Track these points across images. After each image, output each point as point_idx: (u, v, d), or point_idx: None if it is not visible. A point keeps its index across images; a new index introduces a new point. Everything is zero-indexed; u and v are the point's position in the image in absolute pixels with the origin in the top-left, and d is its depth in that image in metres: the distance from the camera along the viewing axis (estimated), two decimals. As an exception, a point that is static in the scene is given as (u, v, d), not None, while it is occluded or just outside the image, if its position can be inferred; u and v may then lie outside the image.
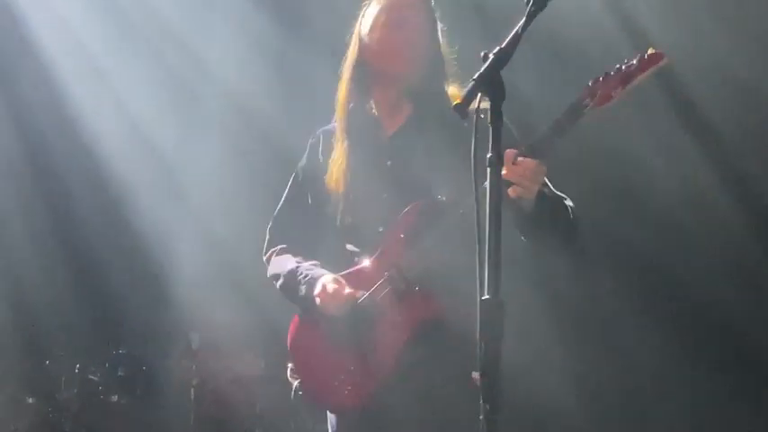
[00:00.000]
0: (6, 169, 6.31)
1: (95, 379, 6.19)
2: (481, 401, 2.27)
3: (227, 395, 6.38)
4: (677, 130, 4.68)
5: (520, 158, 2.91)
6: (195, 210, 6.24)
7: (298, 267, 3.41)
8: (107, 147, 6.22)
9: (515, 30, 2.44)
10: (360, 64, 3.42)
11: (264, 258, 3.62)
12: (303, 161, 3.61)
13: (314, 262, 3.43)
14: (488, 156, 2.37)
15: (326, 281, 3.27)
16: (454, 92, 3.33)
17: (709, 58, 4.54)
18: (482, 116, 2.36)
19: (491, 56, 2.41)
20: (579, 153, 4.56)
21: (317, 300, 3.26)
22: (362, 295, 3.24)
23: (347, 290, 3.23)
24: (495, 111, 2.38)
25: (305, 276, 3.35)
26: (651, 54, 2.92)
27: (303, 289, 3.33)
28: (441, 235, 3.14)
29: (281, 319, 5.76)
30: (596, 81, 2.94)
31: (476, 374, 2.99)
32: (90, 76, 6.16)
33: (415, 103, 3.39)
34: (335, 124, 3.50)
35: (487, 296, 2.30)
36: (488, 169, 2.37)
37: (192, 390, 6.28)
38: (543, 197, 3.04)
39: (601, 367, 4.62)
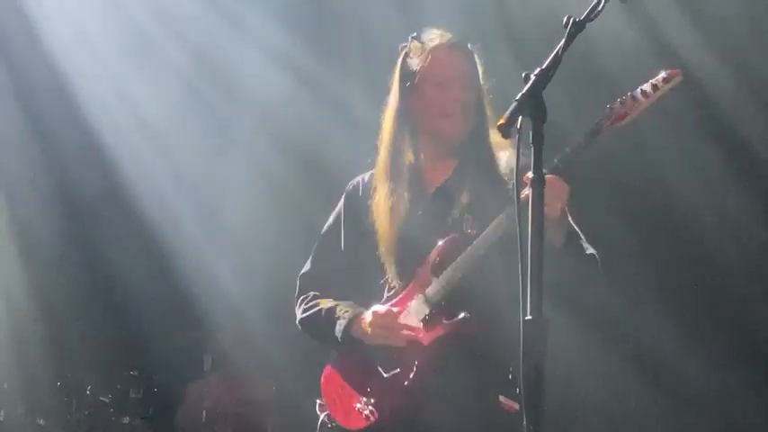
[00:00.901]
0: (34, 194, 6.30)
1: (107, 400, 6.19)
2: (524, 422, 2.27)
3: (239, 418, 6.36)
4: (714, 155, 4.68)
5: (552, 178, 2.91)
6: (218, 233, 6.23)
7: (335, 306, 3.43)
8: (135, 171, 6.22)
9: (555, 51, 2.46)
10: (404, 115, 3.38)
11: (296, 308, 3.61)
12: (339, 210, 3.59)
13: (349, 303, 3.45)
14: (531, 177, 2.38)
15: (371, 312, 3.32)
16: (497, 140, 3.30)
17: (749, 83, 4.54)
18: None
19: (532, 77, 2.42)
20: (616, 180, 4.58)
21: (370, 328, 3.28)
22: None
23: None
24: (537, 132, 2.39)
25: (344, 312, 3.39)
26: (668, 72, 2.98)
27: (342, 323, 3.36)
28: (464, 261, 3.17)
29: (295, 345, 5.81)
30: (614, 103, 3.01)
31: (503, 398, 3.05)
32: (120, 104, 6.17)
33: (461, 159, 3.38)
34: (374, 173, 3.48)
35: (530, 316, 2.30)
36: (530, 189, 2.38)
37: (204, 412, 6.28)
38: (571, 238, 3.09)
39: (637, 389, 4.61)
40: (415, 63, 3.36)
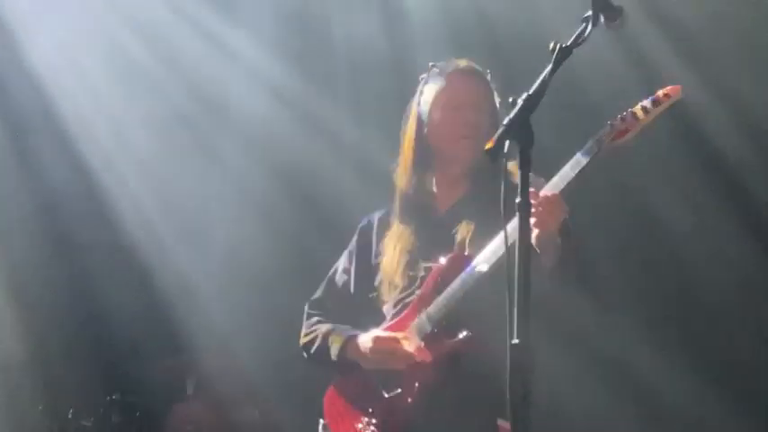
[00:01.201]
0: (15, 215, 6.27)
1: (89, 425, 6.11)
2: (513, 444, 2.27)
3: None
4: (702, 184, 4.70)
5: (541, 193, 3.00)
6: (204, 255, 6.21)
7: (333, 329, 3.53)
8: (119, 193, 6.18)
9: (542, 76, 2.48)
10: (420, 142, 3.48)
11: (301, 333, 3.70)
12: (352, 246, 3.69)
13: (346, 327, 3.53)
14: (517, 201, 2.40)
15: (367, 337, 3.39)
16: (513, 168, 3.36)
17: (739, 112, 4.56)
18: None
19: (519, 102, 2.44)
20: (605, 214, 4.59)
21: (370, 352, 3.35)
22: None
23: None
24: (524, 156, 2.41)
25: (339, 334, 3.48)
26: (669, 88, 3.04)
27: (338, 346, 3.44)
28: (464, 280, 3.21)
29: (281, 368, 5.80)
30: (615, 119, 3.06)
31: (502, 422, 3.06)
32: (105, 126, 6.15)
33: (473, 182, 3.44)
34: (392, 207, 3.58)
35: (517, 340, 2.31)
36: (517, 214, 2.39)
37: (187, 436, 6.24)
38: (566, 262, 3.09)
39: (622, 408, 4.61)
40: (432, 88, 3.47)
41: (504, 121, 2.42)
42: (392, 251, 3.45)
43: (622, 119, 3.03)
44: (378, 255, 3.53)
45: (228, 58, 6.01)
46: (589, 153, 3.03)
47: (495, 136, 2.41)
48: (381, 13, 5.59)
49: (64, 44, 6.10)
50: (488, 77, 3.51)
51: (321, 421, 3.50)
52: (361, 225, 3.70)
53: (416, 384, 3.23)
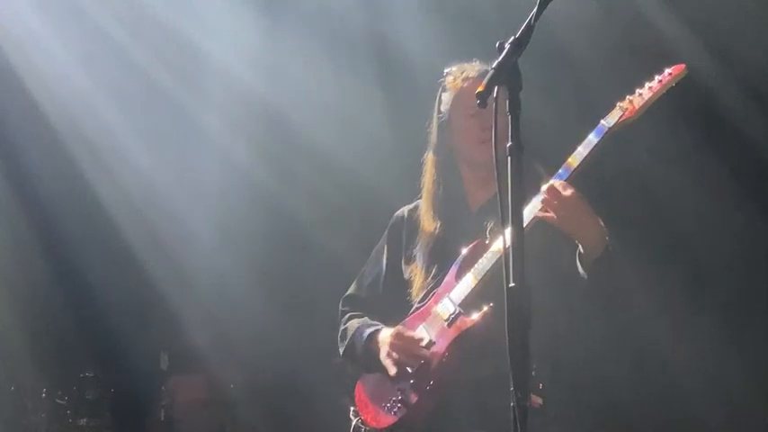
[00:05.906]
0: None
1: (63, 403, 6.11)
2: (512, 388, 2.26)
3: (197, 417, 6.32)
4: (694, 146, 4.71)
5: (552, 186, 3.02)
6: (175, 236, 6.17)
7: (360, 326, 3.57)
8: (102, 174, 6.18)
9: (528, 19, 2.46)
10: (443, 148, 3.50)
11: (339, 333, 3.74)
12: (383, 241, 3.71)
13: (372, 321, 3.57)
14: (508, 145, 2.38)
15: (386, 337, 3.41)
16: (538, 169, 3.29)
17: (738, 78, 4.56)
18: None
19: (507, 46, 2.42)
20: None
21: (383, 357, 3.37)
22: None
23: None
24: (514, 99, 2.39)
25: (362, 335, 3.52)
26: (673, 68, 3.09)
27: (361, 347, 3.49)
28: (485, 263, 3.24)
29: (253, 345, 5.80)
30: (623, 100, 3.11)
31: (535, 398, 3.05)
32: (84, 107, 6.09)
33: None
34: (419, 202, 3.59)
35: (513, 284, 2.30)
36: (509, 158, 2.38)
37: (162, 410, 6.23)
38: (604, 259, 3.08)
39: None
40: (447, 96, 3.49)
41: (493, 66, 2.39)
42: (423, 249, 3.48)
43: (630, 100, 3.08)
44: (408, 250, 3.55)
45: (206, 32, 5.95)
46: (600, 133, 3.07)
47: (485, 81, 2.38)
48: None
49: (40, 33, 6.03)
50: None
51: (352, 408, 3.55)
52: (391, 221, 3.72)
53: (440, 361, 3.24)
